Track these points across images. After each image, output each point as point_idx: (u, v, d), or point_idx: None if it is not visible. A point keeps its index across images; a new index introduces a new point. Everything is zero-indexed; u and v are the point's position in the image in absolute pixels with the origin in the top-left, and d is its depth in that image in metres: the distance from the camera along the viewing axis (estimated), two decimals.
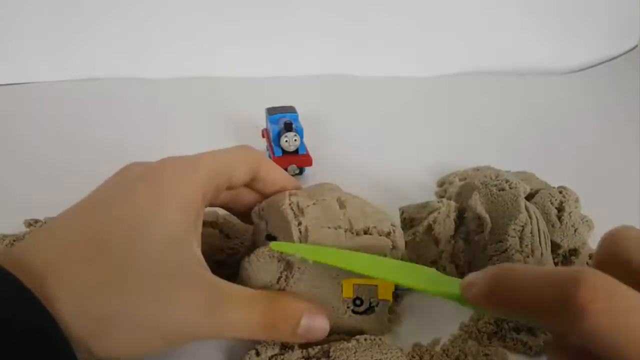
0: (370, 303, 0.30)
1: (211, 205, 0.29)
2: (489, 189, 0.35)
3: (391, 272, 0.26)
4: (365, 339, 0.29)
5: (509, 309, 0.20)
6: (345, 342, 0.29)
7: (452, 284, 0.23)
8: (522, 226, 0.34)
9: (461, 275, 0.36)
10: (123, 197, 0.24)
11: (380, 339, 0.29)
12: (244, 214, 0.32)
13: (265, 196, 0.31)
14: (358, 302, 0.30)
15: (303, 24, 0.64)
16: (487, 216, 0.34)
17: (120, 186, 0.25)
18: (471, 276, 0.22)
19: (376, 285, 0.30)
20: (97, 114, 0.55)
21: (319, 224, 0.28)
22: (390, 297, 0.31)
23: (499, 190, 0.35)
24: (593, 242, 0.37)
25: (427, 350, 0.30)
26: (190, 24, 0.62)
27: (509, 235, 0.33)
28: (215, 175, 0.27)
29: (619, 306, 0.17)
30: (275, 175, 0.30)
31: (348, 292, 0.30)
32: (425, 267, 0.26)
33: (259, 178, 0.30)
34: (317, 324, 0.26)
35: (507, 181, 0.36)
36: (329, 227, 0.28)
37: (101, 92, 0.59)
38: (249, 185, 0.30)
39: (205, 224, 0.37)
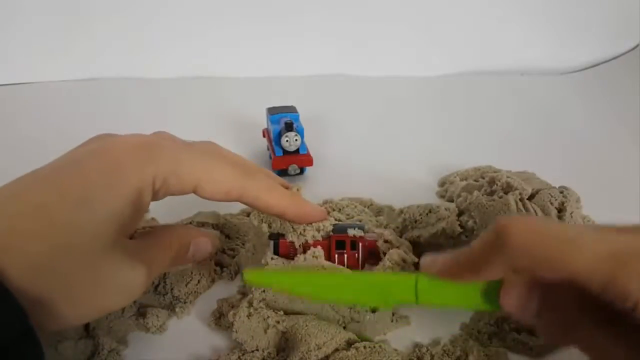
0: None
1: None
2: (480, 199, 0.36)
3: (355, 294, 0.27)
4: (365, 347, 0.29)
5: (469, 274, 0.23)
6: (345, 351, 0.29)
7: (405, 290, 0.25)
8: None
9: None
10: (74, 172, 0.24)
11: (380, 346, 0.29)
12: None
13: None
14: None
15: (304, 24, 0.64)
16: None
17: (76, 160, 0.25)
18: (428, 256, 0.25)
19: None
20: (98, 114, 0.55)
21: None
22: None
23: (490, 201, 0.35)
24: None
25: (427, 350, 0.30)
26: (191, 24, 0.62)
27: None
28: (172, 176, 0.26)
29: (533, 222, 0.22)
30: (267, 205, 0.30)
31: None
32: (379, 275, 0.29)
33: (248, 203, 0.30)
34: (200, 245, 0.30)
35: (502, 188, 0.37)
36: None
37: (102, 92, 0.59)
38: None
39: (205, 224, 0.37)
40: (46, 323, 0.22)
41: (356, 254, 0.32)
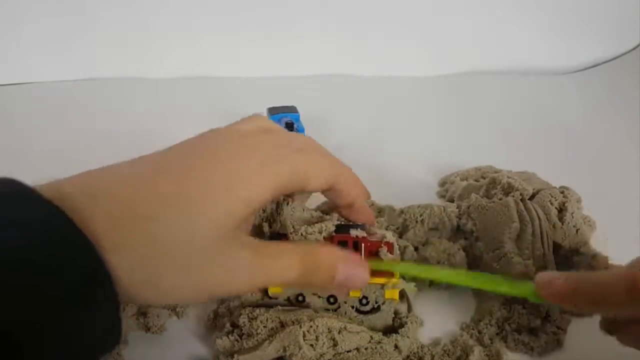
0: (376, 302, 0.31)
1: None
2: (479, 202, 0.36)
3: (470, 280, 0.31)
4: (366, 348, 0.29)
5: (584, 304, 0.26)
6: (346, 352, 0.29)
7: (522, 286, 0.29)
8: (517, 234, 0.34)
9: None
10: (197, 167, 0.25)
11: (381, 347, 0.29)
12: None
13: (335, 205, 0.32)
14: (364, 301, 0.31)
15: (304, 24, 0.64)
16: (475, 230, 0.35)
17: (196, 153, 0.26)
18: (545, 276, 0.27)
19: (382, 284, 0.31)
20: (98, 114, 0.55)
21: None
22: (396, 297, 0.31)
23: (490, 203, 0.35)
24: (595, 242, 0.37)
25: (428, 350, 0.30)
26: (191, 24, 0.62)
27: (504, 243, 0.33)
28: (292, 180, 0.27)
29: None
30: (349, 192, 0.31)
31: (355, 291, 0.30)
32: (490, 275, 0.32)
33: (334, 190, 0.30)
34: (355, 271, 0.27)
35: (503, 189, 0.37)
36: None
37: (102, 92, 0.59)
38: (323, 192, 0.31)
39: None
40: (144, 295, 0.22)
41: (359, 255, 0.32)
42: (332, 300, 0.31)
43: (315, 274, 0.26)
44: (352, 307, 0.31)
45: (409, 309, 0.33)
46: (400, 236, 0.37)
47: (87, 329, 0.20)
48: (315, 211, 0.33)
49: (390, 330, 0.32)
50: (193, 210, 0.23)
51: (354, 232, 0.31)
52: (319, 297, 0.31)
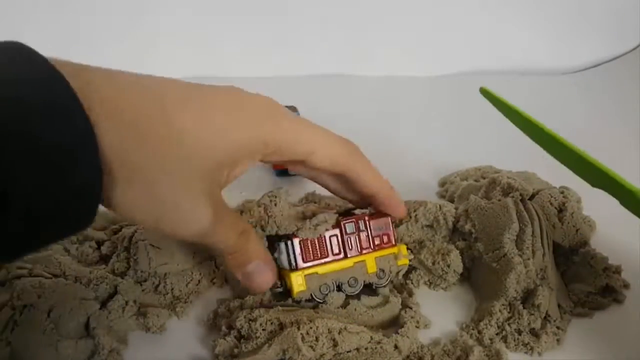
0: (390, 271, 0.33)
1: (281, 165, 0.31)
2: (478, 203, 0.36)
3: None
4: (366, 348, 0.29)
5: None
6: (346, 352, 0.29)
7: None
8: (516, 234, 0.34)
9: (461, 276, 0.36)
10: (212, 103, 0.26)
11: (381, 347, 0.29)
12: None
13: (357, 193, 0.32)
14: (381, 274, 0.32)
15: (304, 24, 0.64)
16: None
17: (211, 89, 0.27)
18: None
19: (394, 254, 0.33)
20: None
21: None
22: (407, 262, 0.33)
23: (489, 204, 0.35)
24: (595, 242, 0.37)
25: (428, 350, 0.30)
26: (191, 24, 0.62)
27: (504, 243, 0.33)
28: (289, 145, 0.27)
29: None
30: (367, 181, 0.31)
31: (372, 267, 0.32)
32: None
33: (349, 179, 0.30)
34: (262, 272, 0.28)
35: (503, 189, 0.37)
36: None
37: None
38: (338, 177, 0.31)
39: None
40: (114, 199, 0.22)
41: (366, 234, 0.32)
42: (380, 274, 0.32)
43: (235, 255, 0.27)
44: (372, 285, 0.33)
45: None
46: None
47: (66, 183, 0.19)
48: (301, 204, 0.33)
49: (393, 324, 0.32)
50: (190, 141, 0.23)
51: (358, 212, 0.32)
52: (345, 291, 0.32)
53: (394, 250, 0.33)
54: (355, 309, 0.32)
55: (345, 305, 0.32)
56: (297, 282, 0.30)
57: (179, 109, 0.24)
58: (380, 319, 0.32)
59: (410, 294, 0.34)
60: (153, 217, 0.24)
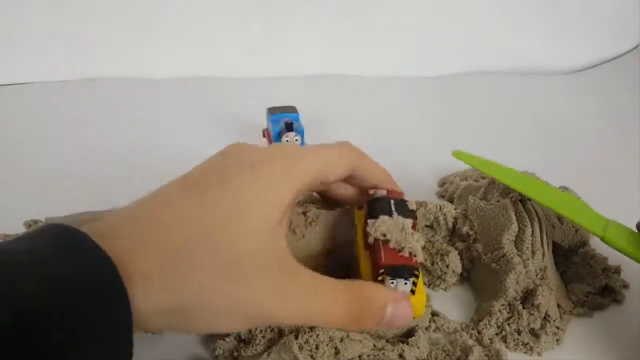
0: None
1: None
2: (477, 204, 0.36)
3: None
4: (368, 355, 0.29)
5: None
6: None
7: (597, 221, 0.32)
8: (516, 234, 0.34)
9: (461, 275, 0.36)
10: (219, 186, 0.24)
11: (383, 354, 0.29)
12: (330, 201, 0.32)
13: (358, 188, 0.31)
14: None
15: (304, 24, 0.64)
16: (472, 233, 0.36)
17: (221, 170, 0.24)
18: None
19: None
20: (98, 114, 0.55)
21: None
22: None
23: (488, 205, 0.36)
24: (594, 242, 0.37)
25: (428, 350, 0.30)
26: (190, 24, 0.62)
27: (503, 244, 0.33)
28: (315, 175, 0.27)
29: None
30: (373, 172, 0.30)
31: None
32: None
33: (356, 176, 0.30)
34: (402, 311, 0.25)
35: (502, 190, 0.37)
36: None
37: (101, 92, 0.59)
38: (344, 179, 0.30)
39: None
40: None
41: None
42: None
43: (362, 318, 0.25)
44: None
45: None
46: None
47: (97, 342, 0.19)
48: (302, 206, 0.33)
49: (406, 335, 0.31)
50: (229, 225, 0.22)
51: (379, 192, 0.30)
52: None
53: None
54: None
55: None
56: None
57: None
58: (406, 328, 0.31)
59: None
60: (239, 320, 0.23)
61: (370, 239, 0.27)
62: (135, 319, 0.20)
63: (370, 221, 0.27)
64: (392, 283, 0.26)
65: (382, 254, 0.26)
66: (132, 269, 0.20)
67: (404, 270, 0.26)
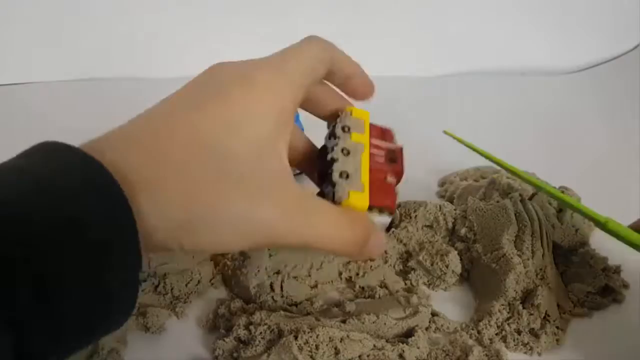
0: None
1: None
2: (477, 204, 0.36)
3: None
4: (368, 355, 0.29)
5: None
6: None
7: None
8: (515, 235, 0.34)
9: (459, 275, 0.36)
10: (218, 98, 0.23)
11: (383, 353, 0.29)
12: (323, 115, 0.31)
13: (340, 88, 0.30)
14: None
15: (303, 24, 0.64)
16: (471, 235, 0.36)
17: (213, 86, 0.24)
18: None
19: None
20: (98, 114, 0.55)
21: None
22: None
23: (488, 205, 0.36)
24: (594, 242, 0.37)
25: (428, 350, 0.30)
26: (190, 24, 0.62)
27: (503, 244, 0.34)
28: (303, 76, 0.26)
29: None
30: (348, 61, 0.30)
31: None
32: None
33: (334, 70, 0.29)
34: (380, 242, 0.25)
35: (503, 189, 0.37)
36: None
37: (102, 92, 0.59)
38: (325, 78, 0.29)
39: None
40: (175, 247, 0.21)
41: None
42: None
43: (362, 246, 0.24)
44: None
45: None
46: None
47: (102, 275, 0.18)
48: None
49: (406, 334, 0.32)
50: (232, 138, 0.22)
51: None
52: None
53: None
54: (384, 323, 0.31)
55: (374, 320, 0.31)
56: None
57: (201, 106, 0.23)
58: (407, 328, 0.32)
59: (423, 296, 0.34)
60: (238, 235, 0.22)
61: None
62: (141, 232, 0.19)
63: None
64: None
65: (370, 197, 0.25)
66: (134, 179, 0.20)
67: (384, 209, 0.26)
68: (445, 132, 0.38)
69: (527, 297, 0.33)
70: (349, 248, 0.24)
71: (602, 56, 0.69)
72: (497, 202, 0.36)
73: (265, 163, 0.23)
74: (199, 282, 0.34)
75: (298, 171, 0.44)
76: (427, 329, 0.32)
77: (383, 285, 0.34)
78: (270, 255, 0.33)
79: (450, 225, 0.36)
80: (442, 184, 0.45)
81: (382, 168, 0.27)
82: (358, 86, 0.30)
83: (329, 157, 0.26)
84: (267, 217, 0.22)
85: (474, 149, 0.36)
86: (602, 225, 0.29)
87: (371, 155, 0.27)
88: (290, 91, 0.25)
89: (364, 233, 0.24)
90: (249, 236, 0.22)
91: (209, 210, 0.21)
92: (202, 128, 0.22)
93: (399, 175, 0.28)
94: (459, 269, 0.35)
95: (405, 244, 0.36)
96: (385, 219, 0.26)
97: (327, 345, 0.28)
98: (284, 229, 0.22)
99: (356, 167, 0.25)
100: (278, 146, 0.24)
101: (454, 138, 0.37)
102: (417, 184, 0.45)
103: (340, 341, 0.29)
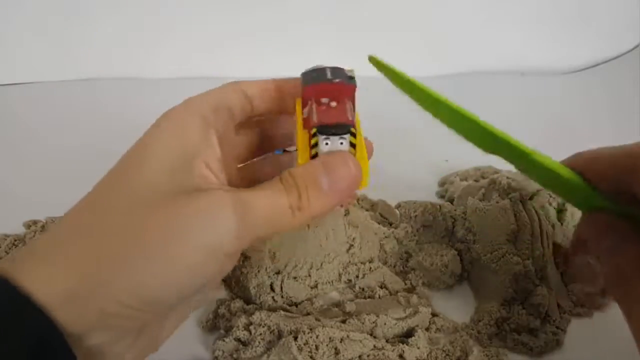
0: None
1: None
2: (477, 205, 0.36)
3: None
4: (368, 355, 0.29)
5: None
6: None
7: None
8: (515, 235, 0.34)
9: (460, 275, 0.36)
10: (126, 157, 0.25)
11: (383, 354, 0.29)
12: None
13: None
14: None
15: (303, 24, 0.64)
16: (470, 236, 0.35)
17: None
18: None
19: None
20: (97, 113, 0.55)
21: None
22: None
23: (487, 206, 0.36)
24: None
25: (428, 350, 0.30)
26: (190, 23, 0.62)
27: (502, 245, 0.34)
28: (207, 105, 0.27)
29: None
30: (262, 92, 0.30)
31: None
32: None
33: (252, 99, 0.29)
34: (340, 171, 0.23)
35: (503, 189, 0.37)
36: None
37: (102, 92, 0.59)
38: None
39: None
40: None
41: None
42: None
43: (306, 198, 0.22)
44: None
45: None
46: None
47: None
48: None
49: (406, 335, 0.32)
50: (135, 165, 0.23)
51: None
52: None
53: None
54: (384, 323, 0.31)
55: (374, 320, 0.31)
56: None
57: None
58: (407, 328, 0.32)
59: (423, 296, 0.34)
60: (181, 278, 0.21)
61: (305, 110, 0.24)
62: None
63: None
64: (327, 143, 0.23)
65: (315, 116, 0.23)
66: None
67: (337, 127, 0.23)
68: (369, 58, 0.33)
69: (527, 297, 0.33)
70: (293, 215, 0.22)
71: (602, 56, 0.69)
72: (497, 202, 0.36)
73: (179, 188, 0.22)
74: None
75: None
76: (427, 329, 0.31)
77: (383, 285, 0.34)
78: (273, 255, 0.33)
79: (450, 225, 0.36)
80: (442, 184, 0.45)
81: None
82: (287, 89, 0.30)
83: None
84: (201, 248, 0.21)
85: (400, 78, 0.32)
86: (527, 156, 0.26)
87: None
88: (195, 113, 0.26)
89: (298, 188, 0.22)
90: (208, 264, 0.21)
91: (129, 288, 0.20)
92: (98, 196, 0.24)
93: (342, 93, 0.26)
94: (458, 270, 0.35)
95: (405, 245, 0.36)
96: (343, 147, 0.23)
97: (327, 345, 0.28)
98: (225, 245, 0.21)
99: None
100: (194, 163, 0.23)
101: (379, 64, 0.32)
102: (417, 184, 0.45)
103: (340, 341, 0.29)
